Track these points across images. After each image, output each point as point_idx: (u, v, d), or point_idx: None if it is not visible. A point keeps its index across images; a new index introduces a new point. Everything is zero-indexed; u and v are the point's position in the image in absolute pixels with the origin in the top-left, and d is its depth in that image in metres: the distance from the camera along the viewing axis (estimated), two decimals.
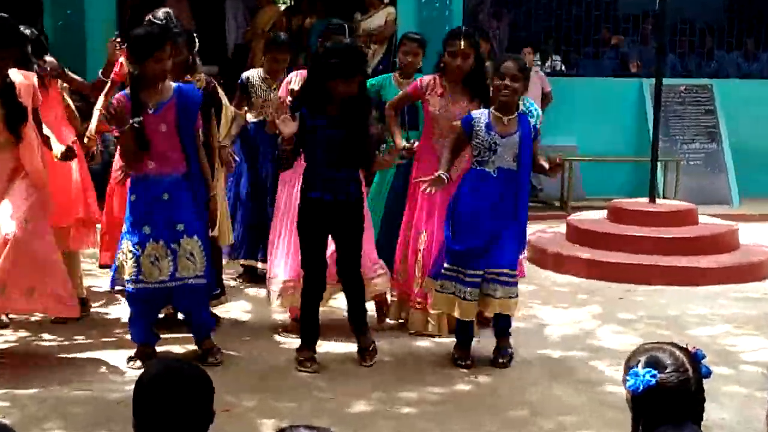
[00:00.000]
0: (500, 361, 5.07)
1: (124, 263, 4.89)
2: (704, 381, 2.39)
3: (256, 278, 6.57)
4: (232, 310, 5.99)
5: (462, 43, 5.28)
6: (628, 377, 2.37)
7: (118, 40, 5.67)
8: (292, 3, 13.22)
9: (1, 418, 4.16)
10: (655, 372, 2.32)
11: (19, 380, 4.75)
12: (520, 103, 5.15)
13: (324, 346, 5.27)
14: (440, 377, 4.90)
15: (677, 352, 2.38)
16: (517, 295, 5.06)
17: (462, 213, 4.96)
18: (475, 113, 5.03)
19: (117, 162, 5.56)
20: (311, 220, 4.93)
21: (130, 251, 4.85)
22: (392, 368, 5.06)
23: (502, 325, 5.15)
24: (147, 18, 5.50)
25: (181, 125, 4.88)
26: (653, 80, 8.07)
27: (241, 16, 11.73)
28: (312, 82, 4.92)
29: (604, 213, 7.86)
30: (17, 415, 4.28)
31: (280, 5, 11.60)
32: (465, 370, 4.99)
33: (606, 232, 7.32)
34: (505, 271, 4.94)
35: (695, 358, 2.40)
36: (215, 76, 10.70)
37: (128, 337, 5.11)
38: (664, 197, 9.10)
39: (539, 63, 10.68)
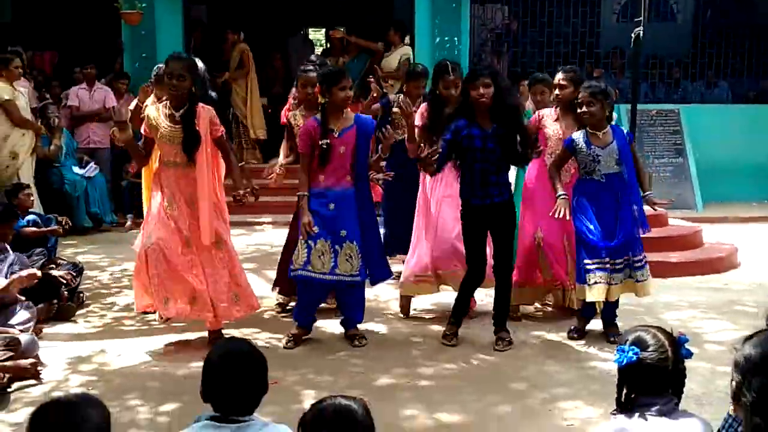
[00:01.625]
0: (612, 339, 4.98)
1: (298, 253, 4.90)
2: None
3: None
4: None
5: (563, 75, 5.28)
6: (615, 352, 2.38)
7: (150, 84, 5.68)
8: (328, 46, 13.28)
9: (90, 389, 4.21)
10: (638, 350, 2.33)
11: (105, 358, 4.82)
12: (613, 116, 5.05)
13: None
14: (452, 356, 4.89)
15: (660, 335, 2.38)
16: (647, 278, 4.99)
17: (592, 216, 4.88)
18: (575, 135, 4.98)
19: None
20: (474, 223, 4.91)
21: (305, 245, 4.87)
22: (414, 348, 5.05)
23: (608, 314, 5.12)
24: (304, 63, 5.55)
25: (360, 148, 4.92)
26: (629, 106, 8.02)
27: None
28: (464, 100, 4.83)
29: None
30: (103, 388, 4.33)
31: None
32: (473, 349, 4.96)
33: None
34: (636, 258, 4.92)
35: (677, 341, 2.39)
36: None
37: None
38: None
39: None
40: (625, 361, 2.32)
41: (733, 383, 1.99)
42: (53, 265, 5.77)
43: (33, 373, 4.39)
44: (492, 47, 11.54)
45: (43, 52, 10.88)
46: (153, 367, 4.67)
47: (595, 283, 4.88)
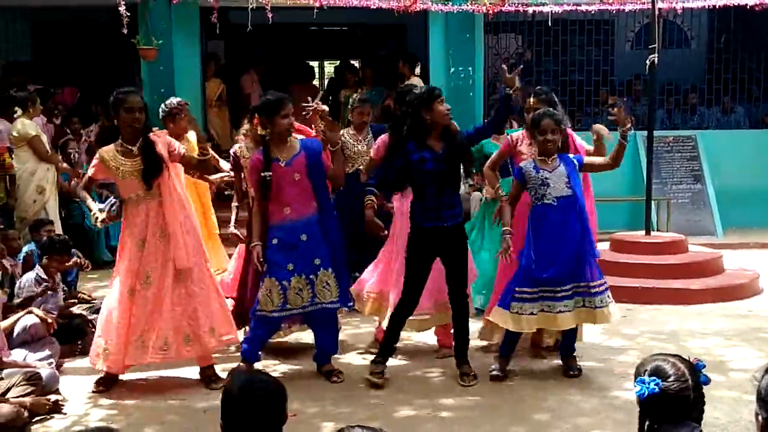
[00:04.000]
0: (571, 373, 4.95)
1: (269, 297, 4.75)
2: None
3: None
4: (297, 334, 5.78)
5: (534, 100, 5.33)
6: (635, 384, 2.32)
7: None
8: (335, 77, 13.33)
9: (110, 423, 4.19)
10: (659, 381, 2.28)
11: (125, 392, 4.82)
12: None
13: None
14: (473, 387, 4.82)
15: (679, 364, 2.33)
16: (607, 304, 4.79)
17: (540, 244, 4.74)
18: (522, 164, 4.91)
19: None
20: (424, 248, 4.78)
21: (277, 286, 4.74)
22: (434, 379, 4.99)
23: (565, 345, 5.03)
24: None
25: (312, 172, 4.81)
26: (645, 132, 7.98)
27: None
28: (414, 120, 4.70)
29: (606, 245, 7.72)
30: (123, 422, 4.31)
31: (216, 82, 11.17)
32: (496, 380, 4.88)
33: (609, 261, 7.05)
34: (592, 284, 4.75)
35: (695, 368, 2.34)
36: None
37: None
38: (657, 231, 8.92)
39: None
40: (646, 393, 2.27)
41: (760, 419, 1.94)
42: (74, 300, 5.79)
43: (54, 408, 4.38)
44: None
45: (63, 89, 11.04)
46: (172, 401, 4.64)
47: (518, 313, 4.74)
